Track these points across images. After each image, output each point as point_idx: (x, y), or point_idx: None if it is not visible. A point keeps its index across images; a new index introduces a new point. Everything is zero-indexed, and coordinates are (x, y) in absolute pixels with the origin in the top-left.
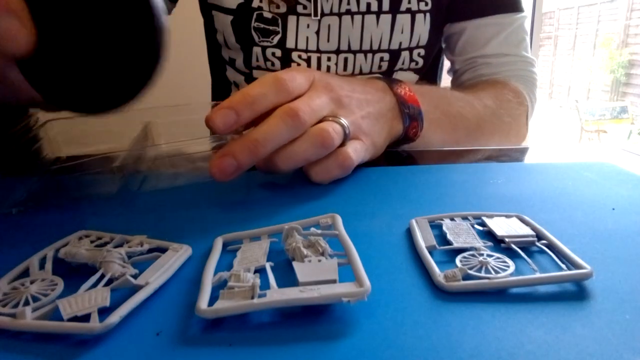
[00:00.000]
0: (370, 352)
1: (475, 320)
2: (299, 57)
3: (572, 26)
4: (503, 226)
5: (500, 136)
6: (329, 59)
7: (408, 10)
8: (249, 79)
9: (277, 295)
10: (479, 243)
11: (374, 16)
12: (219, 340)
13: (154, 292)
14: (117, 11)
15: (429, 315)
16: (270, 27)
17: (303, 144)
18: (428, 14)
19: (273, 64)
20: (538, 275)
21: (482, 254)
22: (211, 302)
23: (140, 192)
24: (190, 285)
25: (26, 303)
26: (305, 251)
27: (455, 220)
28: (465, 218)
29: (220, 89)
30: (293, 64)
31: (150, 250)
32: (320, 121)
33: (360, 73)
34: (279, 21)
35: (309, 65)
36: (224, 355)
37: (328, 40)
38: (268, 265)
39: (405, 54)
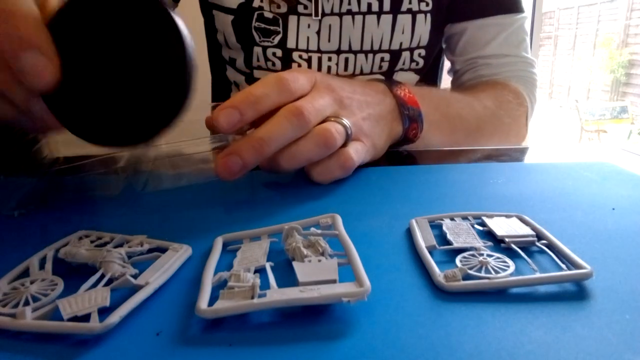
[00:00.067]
0: (370, 352)
1: (475, 320)
2: (300, 57)
3: (572, 26)
4: (503, 226)
5: (499, 137)
6: (329, 59)
7: (409, 11)
8: (250, 79)
9: (277, 295)
10: (479, 243)
11: (374, 16)
12: (219, 340)
13: (154, 292)
14: (146, 45)
15: (429, 315)
16: (271, 27)
17: (307, 144)
18: (429, 15)
19: (274, 64)
20: (538, 275)
21: (482, 254)
22: (211, 302)
23: (140, 192)
24: (190, 285)
25: (26, 303)
26: (305, 251)
27: (455, 220)
28: (465, 218)
29: (221, 89)
30: (294, 64)
31: (150, 250)
32: (323, 122)
33: (361, 73)
34: (280, 21)
35: (309, 66)
36: (224, 355)
37: (329, 41)
38: (268, 265)
39: (405, 55)
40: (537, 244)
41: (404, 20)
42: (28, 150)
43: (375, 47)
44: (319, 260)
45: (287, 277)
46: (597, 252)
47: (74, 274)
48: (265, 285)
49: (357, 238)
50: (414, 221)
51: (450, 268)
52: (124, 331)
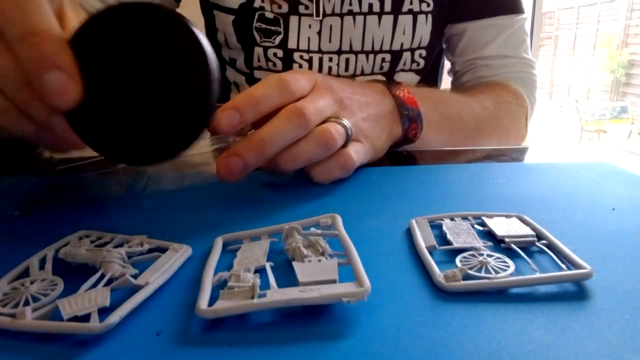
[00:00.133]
0: (370, 352)
1: (475, 320)
2: (301, 57)
3: (572, 26)
4: (503, 226)
5: (499, 138)
6: (330, 60)
7: (410, 11)
8: (250, 79)
9: (277, 295)
10: (479, 243)
11: (375, 17)
12: (219, 340)
13: (154, 292)
14: (169, 61)
15: (429, 315)
16: (272, 28)
17: (307, 144)
18: (430, 15)
19: (274, 65)
20: (538, 275)
21: (482, 254)
22: (211, 302)
23: (140, 193)
24: (190, 286)
25: (26, 303)
26: (305, 251)
27: (455, 220)
28: (465, 218)
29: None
30: (295, 65)
31: (150, 250)
32: (323, 122)
33: (362, 74)
34: (281, 21)
35: (310, 66)
36: (224, 355)
37: (330, 41)
38: (268, 265)
39: (406, 55)
40: (537, 244)
41: (405, 20)
42: (29, 151)
43: (376, 48)
44: (319, 261)
45: (287, 277)
46: (597, 252)
47: (74, 274)
48: (265, 285)
49: (357, 238)
50: (414, 221)
51: (450, 268)
52: (124, 331)
